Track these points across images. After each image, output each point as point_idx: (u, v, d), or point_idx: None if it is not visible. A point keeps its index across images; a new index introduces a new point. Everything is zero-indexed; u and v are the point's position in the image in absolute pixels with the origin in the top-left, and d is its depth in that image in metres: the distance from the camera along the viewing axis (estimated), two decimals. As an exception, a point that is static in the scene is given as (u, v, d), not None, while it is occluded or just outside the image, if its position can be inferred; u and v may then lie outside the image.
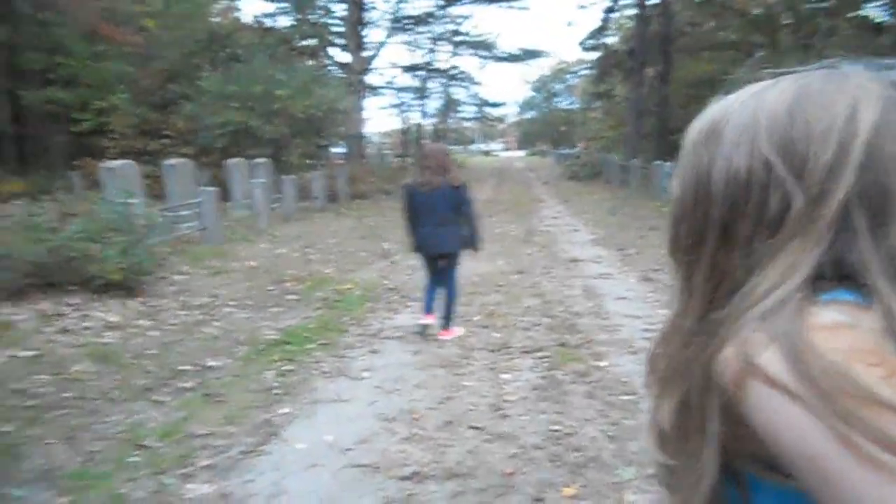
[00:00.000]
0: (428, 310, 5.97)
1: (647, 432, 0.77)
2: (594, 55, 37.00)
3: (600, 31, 34.11)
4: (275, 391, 4.65)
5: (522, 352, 5.47)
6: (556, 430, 3.92)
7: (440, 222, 5.65)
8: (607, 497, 3.19)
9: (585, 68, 50.07)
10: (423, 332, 5.92)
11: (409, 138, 48.72)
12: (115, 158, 16.21)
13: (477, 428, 3.98)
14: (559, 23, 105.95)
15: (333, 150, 31.39)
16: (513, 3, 36.36)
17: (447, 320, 5.96)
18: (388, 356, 5.47)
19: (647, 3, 30.15)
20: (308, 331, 6.11)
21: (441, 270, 5.93)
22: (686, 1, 30.23)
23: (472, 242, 5.87)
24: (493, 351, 5.52)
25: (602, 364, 5.11)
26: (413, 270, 9.17)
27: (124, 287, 6.86)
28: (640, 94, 30.08)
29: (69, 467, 3.54)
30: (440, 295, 5.94)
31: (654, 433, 0.76)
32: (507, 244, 11.20)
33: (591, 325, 6.26)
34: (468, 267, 8.64)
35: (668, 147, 28.90)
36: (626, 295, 7.44)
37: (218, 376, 4.96)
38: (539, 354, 5.38)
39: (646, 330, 5.97)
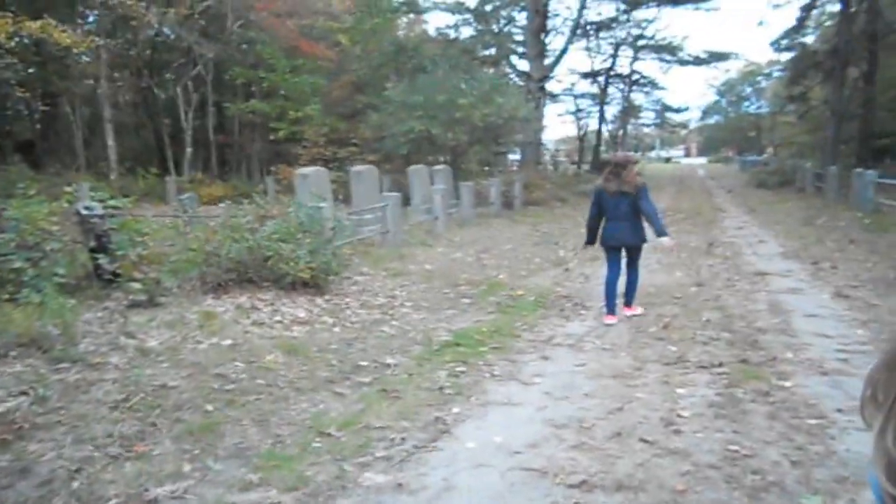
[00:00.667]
0: (610, 311, 6.76)
1: (874, 462, 0.72)
2: (788, 56, 34.76)
3: (796, 29, 31.91)
4: (447, 391, 4.77)
5: (699, 366, 5.25)
6: (734, 451, 3.72)
7: (624, 219, 6.56)
8: (790, 525, 3.01)
9: (778, 70, 47.16)
10: (609, 310, 6.76)
11: (585, 145, 48.21)
12: (305, 165, 17.40)
13: (648, 441, 3.88)
14: (748, 23, 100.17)
15: (510, 156, 31.74)
16: (700, 5, 35.00)
17: (630, 299, 6.91)
18: (559, 363, 5.45)
19: (852, -2, 27.85)
20: (481, 334, 6.22)
21: (619, 261, 6.86)
22: (897, -5, 27.65)
23: (660, 234, 6.61)
24: (667, 364, 5.34)
25: (787, 384, 4.79)
26: (586, 279, 9.09)
27: (312, 285, 7.31)
28: (841, 96, 27.82)
29: (260, 448, 3.84)
30: (620, 288, 6.85)
31: (882, 463, 0.70)
32: (686, 255, 10.78)
33: (776, 342, 5.88)
34: (644, 278, 8.47)
35: (870, 153, 26.56)
36: (818, 312, 6.92)
37: (394, 373, 5.18)
38: (717, 370, 5.14)
39: (840, 350, 5.53)
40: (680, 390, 4.73)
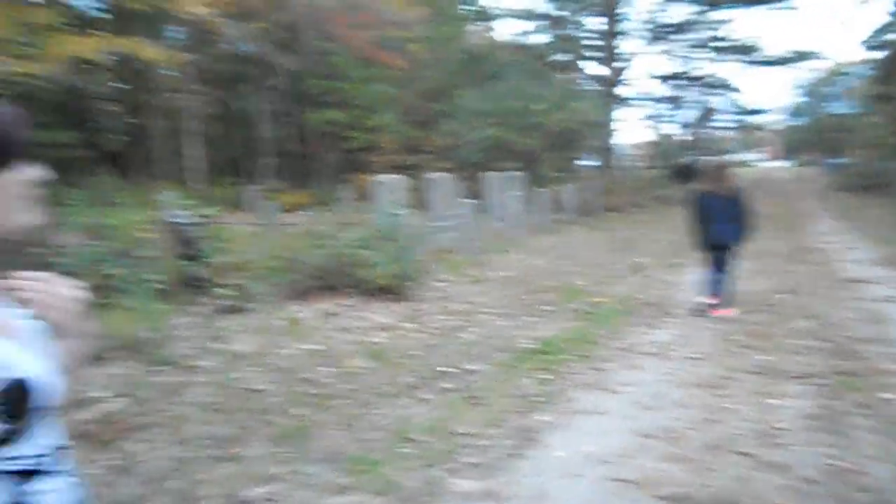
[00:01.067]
0: (710, 292, 7.16)
1: None
2: (878, 55, 33.33)
3: (888, 27, 30.60)
4: (532, 398, 4.72)
5: (792, 377, 5.05)
6: (837, 466, 3.56)
7: (724, 220, 6.98)
8: (905, 545, 2.84)
9: (870, 69, 45.26)
10: (701, 310, 7.12)
11: (660, 150, 47.25)
12: (380, 172, 17.58)
13: (743, 454, 3.74)
14: (832, 22, 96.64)
15: (584, 162, 31.40)
16: (778, 4, 33.86)
17: (726, 301, 7.13)
18: (646, 372, 5.33)
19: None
20: (563, 341, 6.13)
21: (723, 260, 7.16)
22: None
23: (748, 235, 7.13)
24: (758, 374, 5.15)
25: (890, 397, 4.56)
26: (668, 286, 8.89)
27: (392, 291, 7.37)
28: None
29: (349, 452, 3.86)
30: (719, 281, 7.15)
31: None
32: (773, 262, 10.41)
33: (876, 353, 5.61)
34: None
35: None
36: (921, 321, 6.59)
37: (476, 380, 5.15)
38: (813, 381, 4.93)
39: (947, 362, 5.25)
40: (774, 401, 4.56)
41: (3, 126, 1.01)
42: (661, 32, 35.57)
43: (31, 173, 1.05)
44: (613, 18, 28.72)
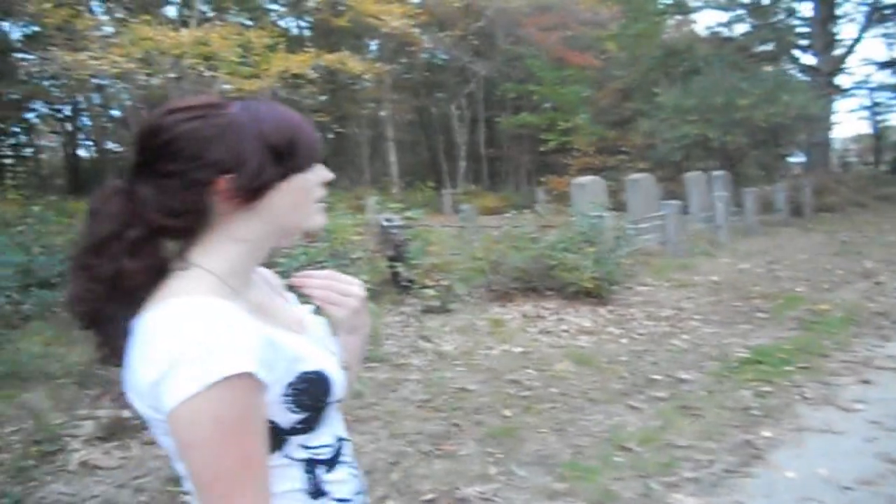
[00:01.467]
0: None
1: None
2: None
3: None
4: (752, 412, 4.41)
5: None
6: None
7: None
8: None
9: None
10: None
11: (882, 143, 42.93)
12: (575, 175, 17.41)
13: None
14: None
15: (793, 159, 29.22)
16: None
17: None
18: (885, 389, 4.81)
19: None
20: (783, 352, 5.69)
21: None
22: None
23: None
24: None
25: None
26: (904, 293, 8.02)
27: (594, 295, 7.24)
28: None
29: (560, 457, 3.81)
30: None
31: None
32: None
33: None
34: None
35: None
36: None
37: (690, 389, 4.91)
38: None
39: None
40: None
41: (302, 130, 1.06)
42: (884, 14, 32.32)
43: (324, 174, 1.10)
44: (826, 2, 26.44)
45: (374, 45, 25.65)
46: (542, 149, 23.85)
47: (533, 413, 4.42)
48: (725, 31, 30.29)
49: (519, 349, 5.71)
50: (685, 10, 30.85)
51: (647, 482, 3.49)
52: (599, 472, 3.60)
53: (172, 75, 13.95)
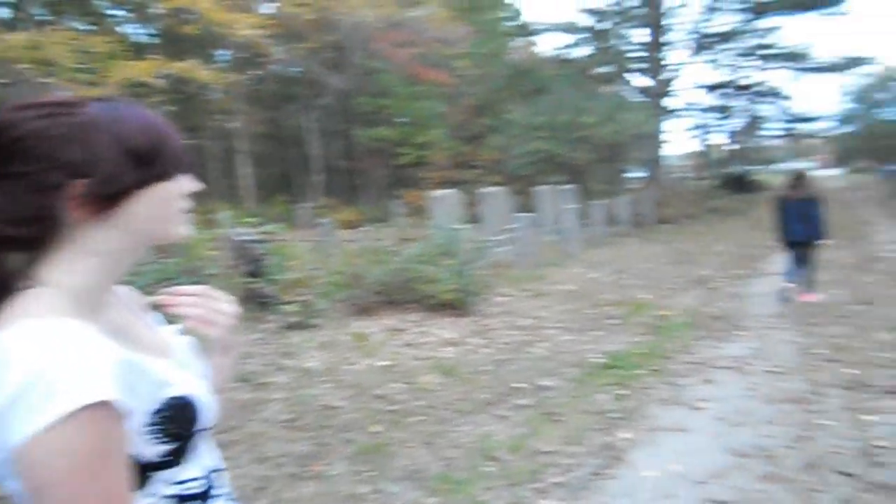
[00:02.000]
0: (790, 280, 8.13)
1: None
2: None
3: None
4: (611, 414, 4.60)
5: (886, 392, 4.82)
6: (950, 486, 3.37)
7: (803, 220, 7.93)
8: None
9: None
10: (784, 296, 8.01)
11: (710, 160, 46.57)
12: (432, 188, 17.60)
13: (847, 474, 3.56)
14: (884, 25, 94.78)
15: (633, 174, 31.06)
16: (829, 10, 33.12)
17: (809, 286, 8.16)
18: (725, 387, 5.16)
19: None
20: (635, 356, 5.99)
21: (800, 255, 8.11)
22: None
23: (822, 235, 8.03)
24: (847, 388, 4.94)
25: None
26: (735, 298, 8.68)
27: (455, 307, 7.31)
28: None
29: (431, 470, 3.80)
30: (799, 273, 8.11)
31: None
32: (839, 271, 10.09)
33: (969, 364, 5.36)
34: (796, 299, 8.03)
35: None
36: None
37: (552, 396, 5.04)
38: (909, 396, 4.72)
39: None
40: (869, 417, 4.35)
41: (167, 135, 0.97)
42: (707, 42, 35.10)
43: (190, 185, 1.01)
44: (658, 30, 28.40)
45: (225, 54, 24.82)
46: (398, 162, 23.98)
47: (401, 427, 4.38)
48: (568, 54, 31.83)
49: (384, 363, 5.65)
50: (530, 33, 32.16)
51: (517, 490, 3.53)
52: (470, 484, 3.61)
53: (3, 81, 12.85)
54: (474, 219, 12.74)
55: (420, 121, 23.20)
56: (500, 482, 3.63)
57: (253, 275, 6.88)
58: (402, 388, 5.10)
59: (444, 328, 6.82)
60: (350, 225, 16.97)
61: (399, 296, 7.31)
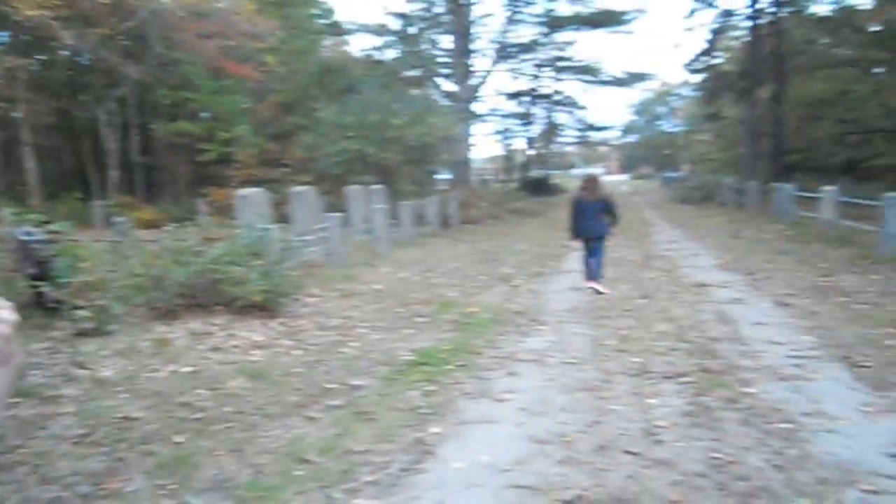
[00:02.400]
0: (589, 278, 9.31)
1: None
2: (700, 77, 36.19)
3: (707, 52, 33.27)
4: (422, 411, 4.70)
5: (664, 377, 5.33)
6: (717, 458, 3.78)
7: (595, 218, 9.12)
8: (786, 528, 3.06)
9: (692, 90, 49.00)
10: (586, 289, 9.21)
11: (512, 164, 48.89)
12: (238, 187, 17.02)
13: (632, 453, 3.90)
14: (663, 45, 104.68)
15: (441, 176, 31.89)
16: (617, 28, 35.97)
17: (596, 277, 9.33)
18: (527, 379, 5.45)
19: (760, 22, 29.23)
20: (443, 352, 6.17)
21: (594, 248, 9.28)
22: (800, 18, 29.16)
23: (611, 228, 9.38)
24: (633, 375, 5.41)
25: (751, 391, 4.92)
26: (535, 295, 9.18)
27: (264, 308, 7.14)
28: (754, 114, 29.12)
29: (240, 478, 3.69)
30: (591, 265, 9.34)
31: None
32: (626, 269, 11.02)
33: (732, 350, 6.04)
34: (594, 293, 8.65)
35: (782, 168, 27.85)
36: (764, 320, 7.16)
37: (364, 395, 5.08)
38: (682, 380, 5.23)
39: (792, 357, 5.72)
40: (651, 400, 4.79)
41: None
42: (509, 52, 36.84)
43: None
44: (464, 37, 29.42)
45: (3, 35, 22.45)
46: (202, 159, 22.94)
47: (207, 436, 4.21)
48: (378, 55, 32.10)
49: (188, 369, 5.40)
50: (340, 32, 32.09)
51: (329, 492, 3.52)
52: (281, 489, 3.55)
53: None
54: (283, 218, 12.48)
55: (224, 116, 22.36)
56: (312, 485, 3.61)
57: (39, 278, 6.30)
58: (208, 394, 4.90)
59: (253, 331, 6.63)
60: (151, 224, 16.02)
61: (204, 298, 7.01)
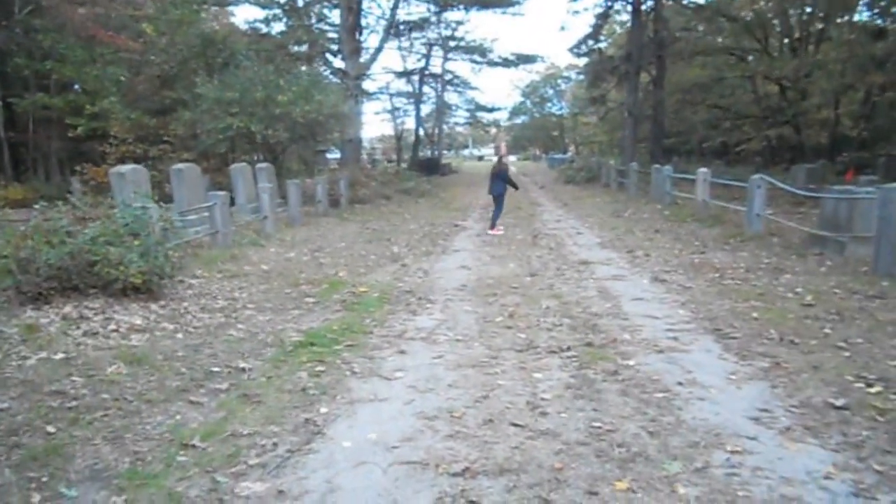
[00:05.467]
0: (492, 226, 13.87)
1: None
2: (585, 60, 37.22)
3: (592, 36, 34.20)
4: (310, 391, 4.66)
5: (549, 351, 5.50)
6: (598, 427, 3.95)
7: (499, 182, 13.99)
8: (659, 490, 3.23)
9: (577, 73, 50.38)
10: (487, 234, 13.47)
11: (402, 144, 48.80)
12: (114, 164, 16.20)
13: (518, 425, 4.01)
14: (552, 28, 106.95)
15: (330, 155, 31.43)
16: (507, 10, 36.42)
17: (493, 224, 13.89)
18: (416, 357, 5.49)
19: (642, 7, 30.26)
20: (332, 332, 6.13)
21: (499, 203, 14.02)
22: (680, 6, 30.40)
23: (507, 189, 14.27)
24: (520, 351, 5.55)
25: (630, 363, 5.15)
26: (425, 273, 9.24)
27: (144, 290, 6.85)
28: (636, 99, 30.23)
29: (119, 467, 3.55)
30: (495, 215, 13.96)
31: None
32: (514, 248, 11.26)
33: (612, 325, 6.30)
34: (482, 270, 8.84)
35: (662, 151, 29.13)
36: (642, 296, 7.50)
37: (251, 377, 4.98)
38: (566, 354, 5.41)
39: (668, 329, 6.04)
40: (537, 375, 4.94)
41: None
42: (399, 29, 36.65)
43: None
44: (353, 12, 28.93)
45: None
46: (73, 135, 21.58)
47: (82, 425, 4.01)
48: (264, 28, 31.16)
49: (60, 356, 5.11)
50: (224, 3, 30.88)
51: (214, 476, 3.44)
52: (163, 476, 3.44)
53: None
54: (166, 197, 12.00)
55: (96, 89, 21.10)
56: (196, 470, 3.51)
57: None
58: (83, 381, 4.66)
59: (133, 314, 6.35)
60: (19, 204, 15.00)
61: (78, 281, 6.64)
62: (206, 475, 3.46)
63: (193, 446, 3.78)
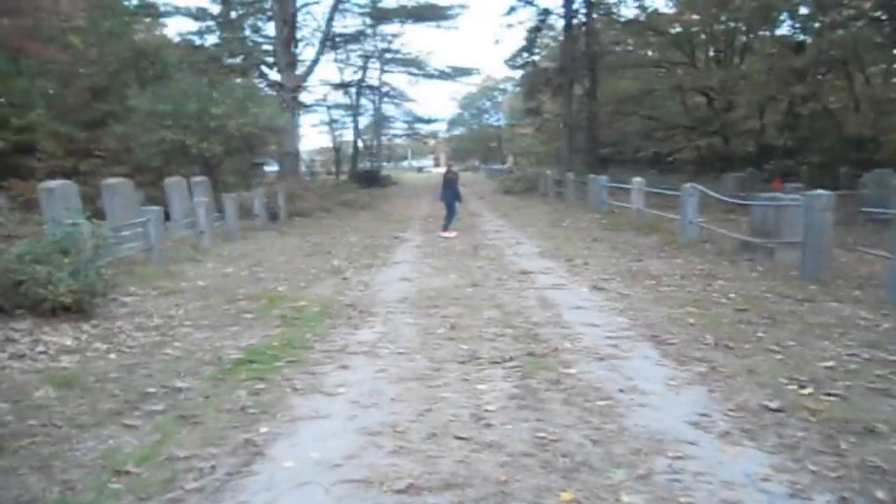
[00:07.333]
0: (444, 229, 15.11)
1: None
2: (521, 73, 37.77)
3: (526, 49, 34.74)
4: (250, 410, 4.56)
5: (492, 362, 5.51)
6: (542, 437, 3.96)
7: (451, 190, 15.56)
8: (604, 499, 3.25)
9: (513, 85, 51.05)
10: (438, 235, 14.77)
11: (341, 156, 48.54)
12: (43, 179, 15.63)
13: (463, 438, 3.99)
14: (487, 41, 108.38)
15: (268, 168, 31.04)
16: (441, 23, 36.62)
17: (446, 227, 15.24)
18: (359, 371, 5.43)
19: (574, 21, 30.84)
20: (272, 349, 6.02)
21: (449, 209, 15.39)
22: (610, 20, 31.11)
23: (457, 198, 15.73)
24: (462, 362, 5.54)
25: (572, 371, 5.20)
26: (366, 286, 9.18)
27: (75, 310, 6.63)
28: (570, 110, 30.76)
29: (48, 497, 3.39)
30: (447, 219, 15.46)
31: None
32: (455, 259, 11.29)
33: (553, 334, 6.36)
34: (424, 283, 8.85)
35: (597, 161, 29.70)
36: (582, 304, 7.60)
37: (188, 397, 4.84)
38: (509, 364, 5.43)
39: (608, 337, 6.13)
40: (480, 386, 4.93)
41: None
42: (335, 42, 36.51)
43: None
44: (288, 25, 28.70)
45: None
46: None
47: (7, 454, 3.83)
48: (197, 40, 30.67)
49: (-16, 381, 4.90)
50: (155, 14, 30.28)
51: (148, 503, 3.33)
52: (95, 504, 3.31)
53: None
54: (98, 213, 11.63)
55: (22, 102, 20.39)
56: (130, 498, 3.38)
57: None
58: (8, 407, 4.47)
59: (63, 335, 6.13)
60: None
61: (5, 301, 6.39)
62: (140, 502, 3.35)
63: (127, 472, 3.65)
